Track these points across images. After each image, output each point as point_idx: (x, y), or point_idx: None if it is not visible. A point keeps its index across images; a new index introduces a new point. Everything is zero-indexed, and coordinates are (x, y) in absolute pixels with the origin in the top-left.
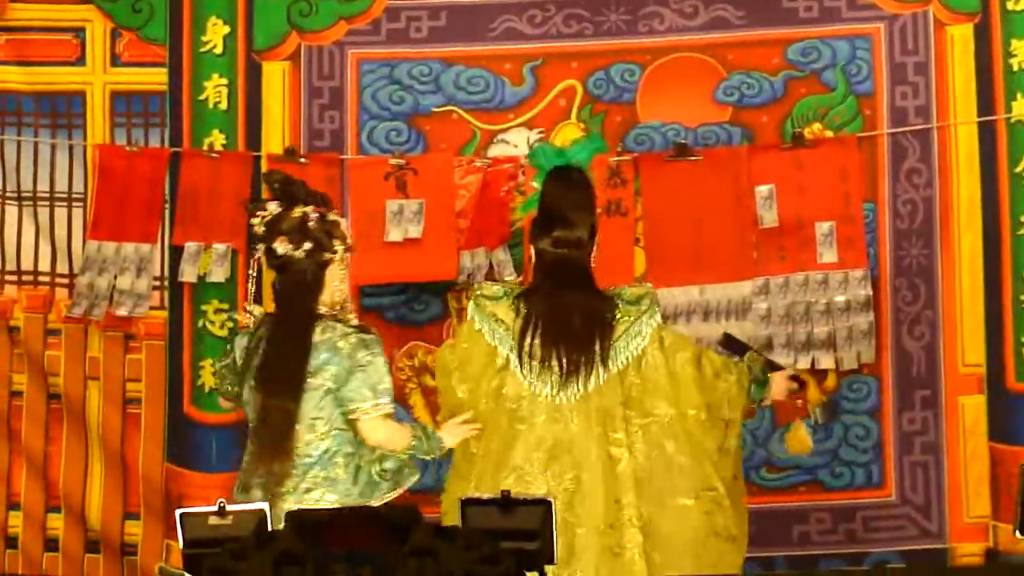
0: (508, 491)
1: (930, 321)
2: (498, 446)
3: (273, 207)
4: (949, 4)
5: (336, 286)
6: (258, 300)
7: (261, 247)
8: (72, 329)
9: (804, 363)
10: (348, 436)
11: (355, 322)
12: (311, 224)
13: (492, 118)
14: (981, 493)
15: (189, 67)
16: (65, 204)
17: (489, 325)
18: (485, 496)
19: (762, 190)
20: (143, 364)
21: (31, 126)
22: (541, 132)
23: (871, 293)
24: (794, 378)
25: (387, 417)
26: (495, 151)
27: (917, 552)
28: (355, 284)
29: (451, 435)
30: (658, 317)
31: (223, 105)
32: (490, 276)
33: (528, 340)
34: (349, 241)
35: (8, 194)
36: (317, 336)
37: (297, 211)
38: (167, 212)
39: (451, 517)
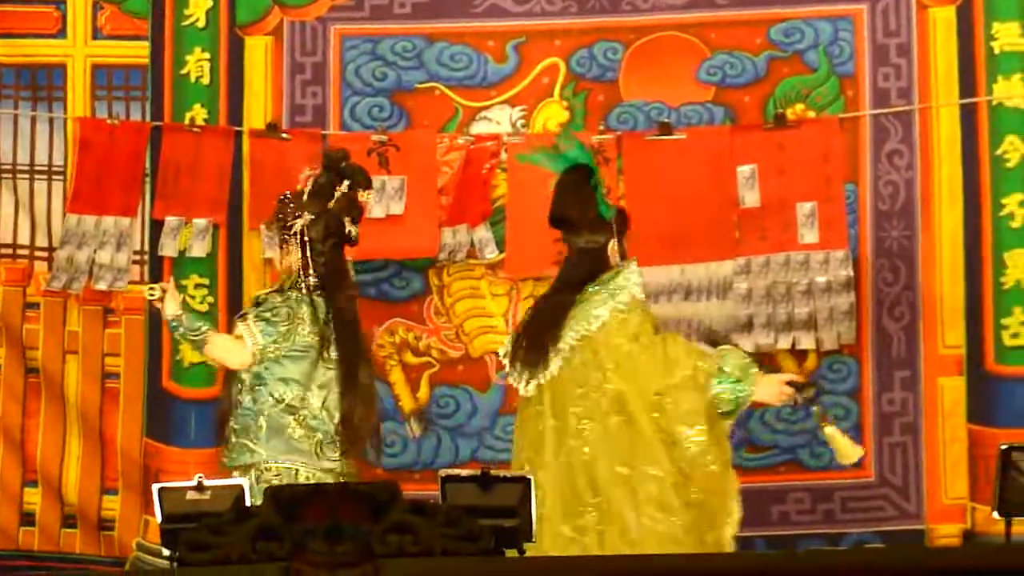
0: (487, 468)
1: (910, 302)
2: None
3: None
4: None
5: None
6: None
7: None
8: (51, 303)
9: (784, 343)
10: None
11: None
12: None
13: (475, 95)
14: (959, 474)
15: (171, 41)
16: (45, 177)
17: None
18: (464, 473)
19: (744, 170)
20: (122, 339)
21: (11, 98)
22: (524, 110)
23: (852, 274)
24: (795, 385)
25: None
26: (477, 128)
27: (895, 533)
28: None
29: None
30: (624, 297)
31: (205, 79)
32: (471, 254)
33: (509, 344)
34: None
35: None
36: None
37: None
38: (148, 186)
39: None
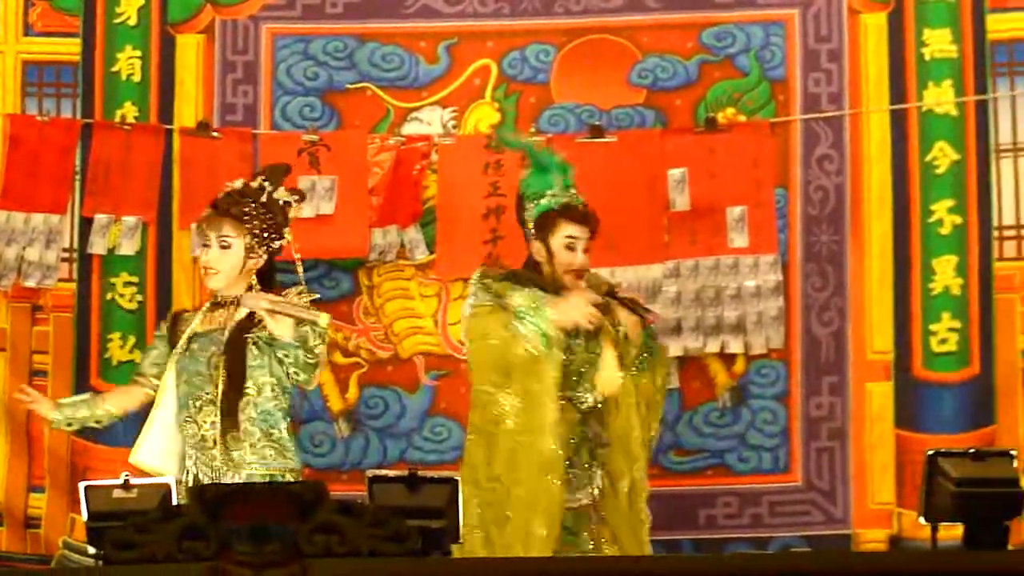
0: (415, 469)
1: (839, 307)
2: None
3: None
4: None
5: None
6: None
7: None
8: None
9: (713, 347)
10: None
11: None
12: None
13: (406, 96)
14: (886, 480)
15: (102, 38)
16: None
17: None
18: (392, 473)
19: (674, 173)
20: (50, 336)
21: None
22: (455, 111)
23: (781, 278)
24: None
25: None
26: (408, 129)
27: (822, 537)
28: None
29: None
30: (471, 300)
31: (136, 77)
32: (401, 255)
33: None
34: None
35: None
36: None
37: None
38: (77, 183)
39: None
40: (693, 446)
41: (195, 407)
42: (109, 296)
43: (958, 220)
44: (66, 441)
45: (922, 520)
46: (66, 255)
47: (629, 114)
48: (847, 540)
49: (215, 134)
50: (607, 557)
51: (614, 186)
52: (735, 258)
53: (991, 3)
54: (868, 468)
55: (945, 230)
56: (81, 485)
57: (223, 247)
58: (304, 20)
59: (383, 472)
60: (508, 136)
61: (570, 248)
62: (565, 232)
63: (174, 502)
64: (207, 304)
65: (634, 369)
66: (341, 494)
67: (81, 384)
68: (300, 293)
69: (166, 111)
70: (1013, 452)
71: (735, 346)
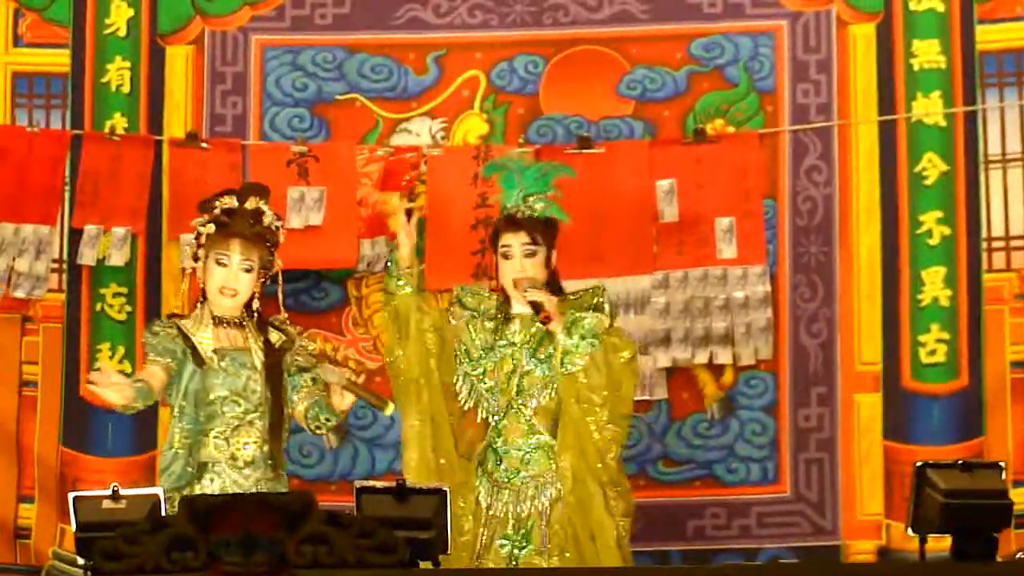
0: (403, 480)
1: (827, 318)
2: None
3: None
4: (852, 3)
5: None
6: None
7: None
8: None
9: (702, 358)
10: None
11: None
12: None
13: (395, 107)
14: (874, 491)
15: (92, 49)
16: None
17: None
18: (380, 484)
19: (663, 184)
20: (40, 347)
21: None
22: (444, 122)
23: (769, 289)
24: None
25: None
26: (397, 140)
27: (811, 548)
28: None
29: None
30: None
31: (125, 88)
32: None
33: None
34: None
35: None
36: None
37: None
38: (67, 194)
39: None
40: (681, 457)
41: (229, 426)
42: (99, 307)
43: (947, 231)
44: (55, 451)
45: (910, 531)
46: (55, 266)
47: (617, 125)
48: (836, 551)
49: (204, 145)
50: (601, 569)
51: (602, 197)
52: (723, 269)
53: (980, 14)
54: (856, 479)
55: (934, 241)
56: (70, 496)
57: (246, 270)
58: (293, 31)
59: (371, 483)
60: (497, 162)
61: (505, 257)
62: (501, 242)
63: (162, 513)
64: (208, 318)
65: (567, 368)
66: (329, 505)
67: (70, 396)
68: (284, 321)
69: (155, 122)
70: (1001, 464)
71: (723, 357)
